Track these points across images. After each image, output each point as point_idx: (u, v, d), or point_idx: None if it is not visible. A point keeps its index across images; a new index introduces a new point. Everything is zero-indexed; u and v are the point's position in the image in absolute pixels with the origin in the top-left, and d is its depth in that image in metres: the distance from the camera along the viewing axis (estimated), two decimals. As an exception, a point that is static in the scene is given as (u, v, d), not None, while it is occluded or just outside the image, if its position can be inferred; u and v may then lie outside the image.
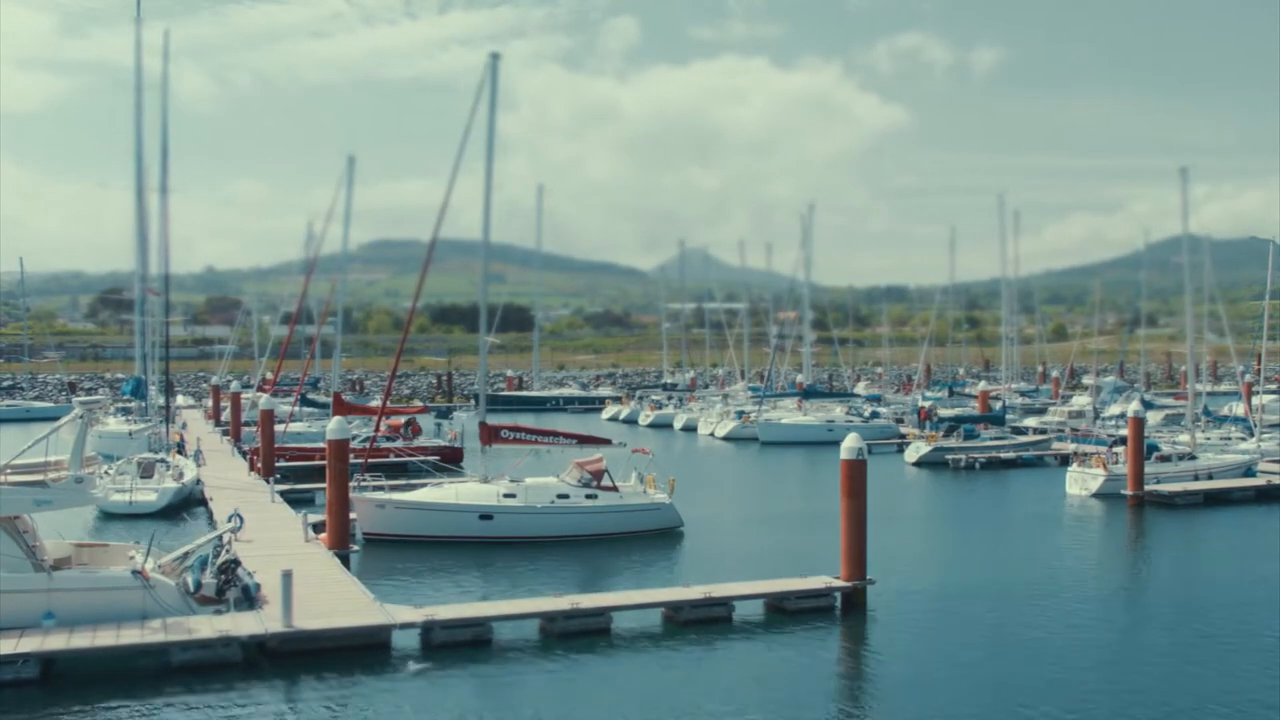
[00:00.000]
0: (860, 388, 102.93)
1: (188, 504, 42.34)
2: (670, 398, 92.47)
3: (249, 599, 24.38)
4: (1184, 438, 53.23)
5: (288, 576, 22.78)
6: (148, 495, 41.25)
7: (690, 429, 79.44)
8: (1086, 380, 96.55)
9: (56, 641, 21.32)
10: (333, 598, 25.01)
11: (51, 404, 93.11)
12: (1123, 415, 54.14)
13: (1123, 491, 43.96)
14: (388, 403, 49.66)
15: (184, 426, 65.94)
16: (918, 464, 57.40)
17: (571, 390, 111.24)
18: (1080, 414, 70.29)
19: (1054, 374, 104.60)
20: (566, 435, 40.91)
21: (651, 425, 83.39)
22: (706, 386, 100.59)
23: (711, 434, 75.36)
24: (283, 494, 41.10)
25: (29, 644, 21.08)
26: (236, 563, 25.39)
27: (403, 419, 57.68)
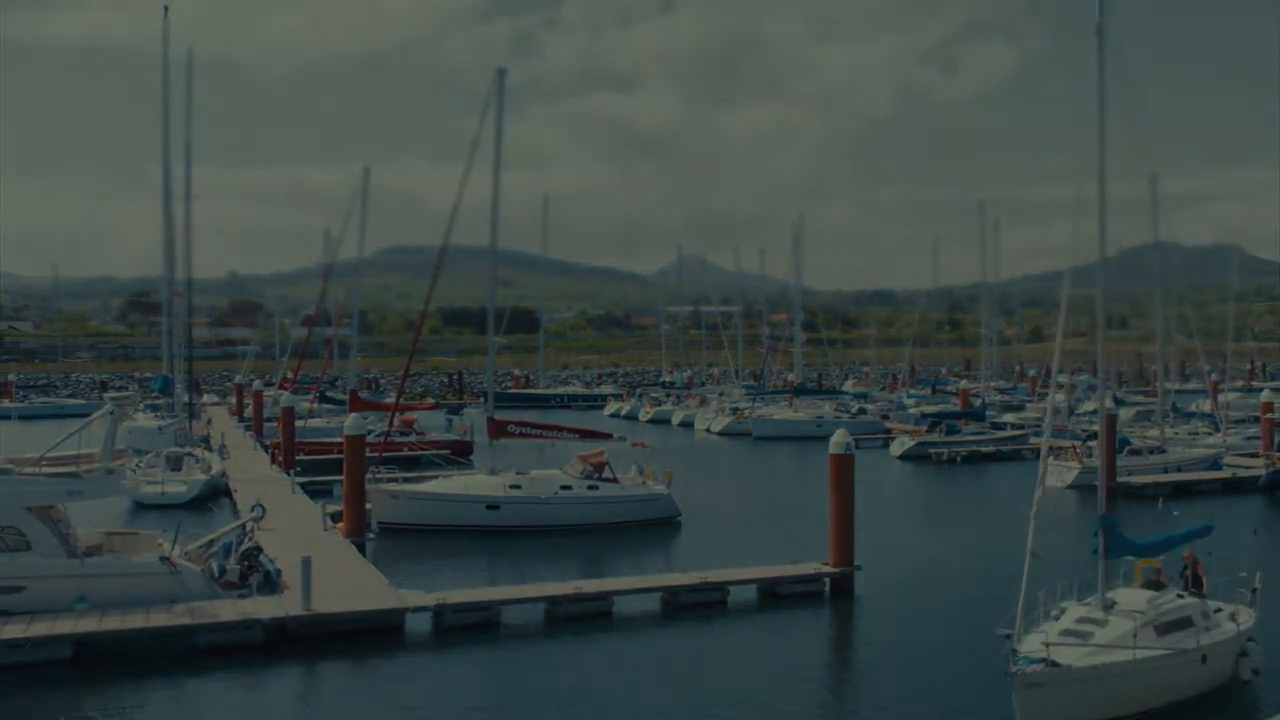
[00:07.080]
0: (849, 386, 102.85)
1: (214, 495, 42.46)
2: (669, 395, 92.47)
3: (270, 584, 24.42)
4: (1154, 433, 53.27)
5: (307, 563, 22.82)
6: (177, 487, 41.39)
7: (687, 424, 79.34)
8: (1062, 379, 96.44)
9: (88, 624, 21.36)
10: (349, 583, 25.04)
11: (83, 401, 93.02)
12: (1096, 411, 54.10)
13: (1096, 483, 43.92)
14: (401, 400, 49.65)
15: (209, 422, 65.96)
16: (902, 458, 57.39)
17: (575, 388, 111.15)
18: (1056, 410, 70.24)
19: (1031, 373, 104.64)
20: (570, 430, 40.93)
21: (651, 421, 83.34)
22: (703, 385, 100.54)
23: (708, 429, 75.31)
24: (302, 486, 41.14)
25: (62, 626, 21.13)
26: (258, 550, 25.44)
27: (414, 415, 57.70)
